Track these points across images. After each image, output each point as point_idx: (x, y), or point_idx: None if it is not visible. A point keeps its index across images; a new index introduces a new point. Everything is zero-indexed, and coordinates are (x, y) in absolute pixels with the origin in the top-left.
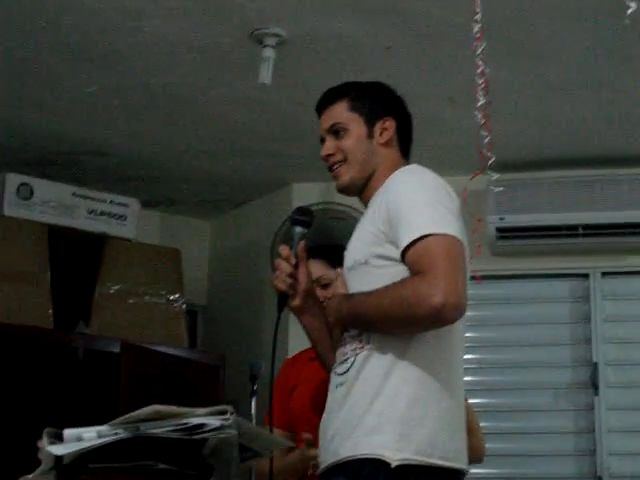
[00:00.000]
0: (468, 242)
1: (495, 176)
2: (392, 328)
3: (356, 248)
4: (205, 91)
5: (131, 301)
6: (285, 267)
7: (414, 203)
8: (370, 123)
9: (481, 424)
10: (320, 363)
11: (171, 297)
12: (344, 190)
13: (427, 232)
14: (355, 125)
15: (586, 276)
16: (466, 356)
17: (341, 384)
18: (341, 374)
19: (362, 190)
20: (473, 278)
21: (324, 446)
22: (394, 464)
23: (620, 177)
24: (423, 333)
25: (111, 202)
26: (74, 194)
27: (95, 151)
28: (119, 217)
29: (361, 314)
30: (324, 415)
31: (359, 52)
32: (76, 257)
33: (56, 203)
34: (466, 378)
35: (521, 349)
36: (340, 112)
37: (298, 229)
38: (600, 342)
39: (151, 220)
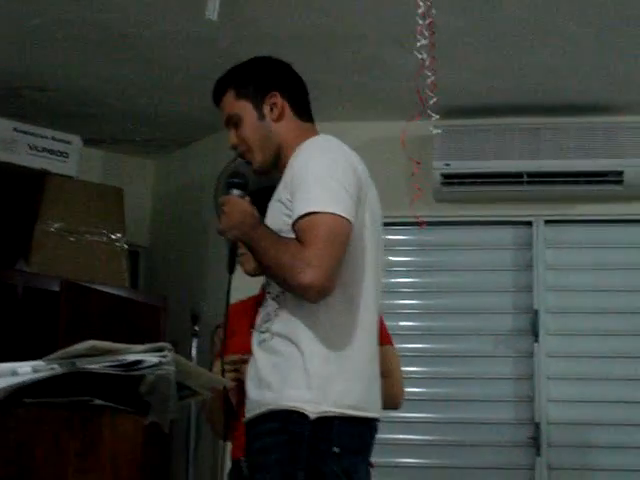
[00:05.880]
0: (408, 187)
1: (435, 117)
2: (274, 278)
3: (272, 218)
4: (149, 26)
5: (72, 239)
6: None
7: (309, 178)
8: (258, 106)
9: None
10: None
11: (113, 236)
12: (261, 174)
13: (313, 209)
14: (246, 112)
15: (529, 224)
16: (408, 301)
17: (263, 341)
18: (263, 332)
19: (277, 166)
20: (417, 224)
21: (250, 391)
22: (312, 417)
23: (565, 125)
24: (332, 300)
25: (53, 138)
26: (15, 129)
27: (37, 86)
28: (61, 154)
29: (259, 249)
30: (250, 363)
31: None
32: (16, 193)
33: None
34: (408, 323)
35: (463, 295)
36: (230, 103)
37: (235, 191)
38: (541, 290)
39: (94, 158)
